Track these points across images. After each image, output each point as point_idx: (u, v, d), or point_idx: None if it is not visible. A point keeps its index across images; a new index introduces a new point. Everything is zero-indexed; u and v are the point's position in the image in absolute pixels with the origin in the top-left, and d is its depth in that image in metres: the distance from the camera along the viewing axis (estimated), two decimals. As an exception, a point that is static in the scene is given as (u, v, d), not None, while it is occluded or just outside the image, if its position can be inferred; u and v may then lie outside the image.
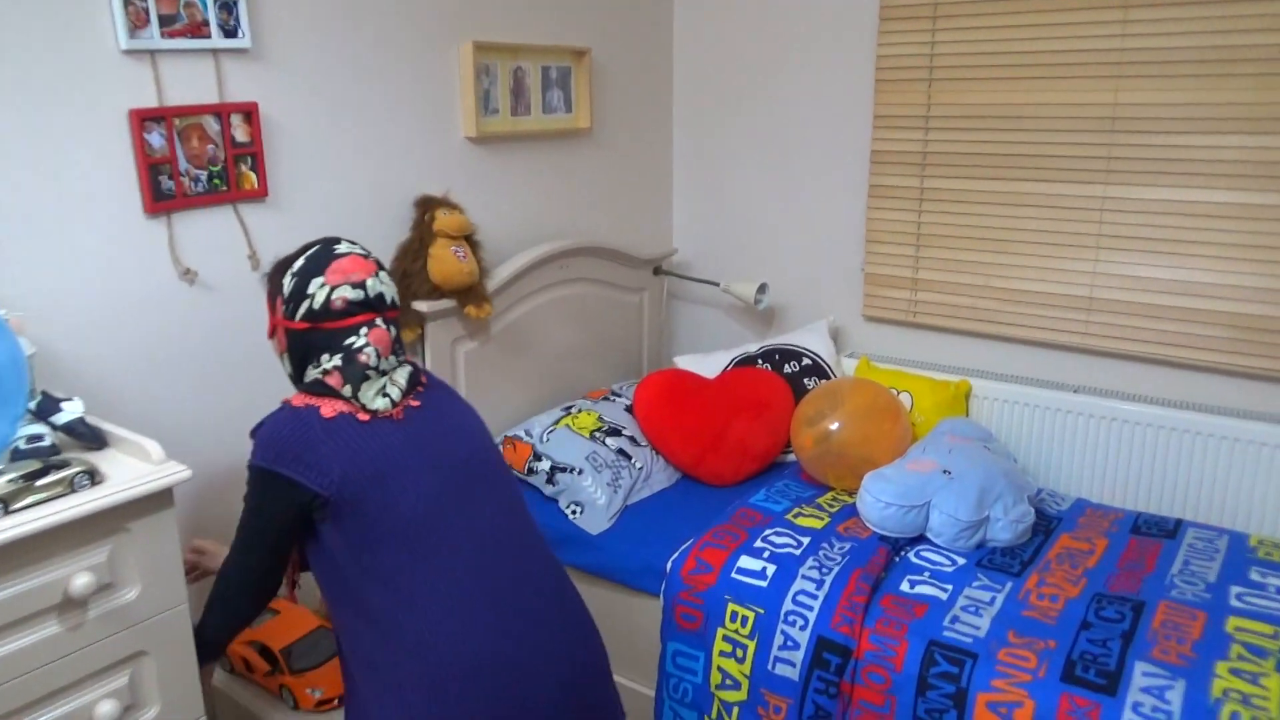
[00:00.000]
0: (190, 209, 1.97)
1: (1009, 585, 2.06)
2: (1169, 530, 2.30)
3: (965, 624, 1.92)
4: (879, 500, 2.21)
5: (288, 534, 1.45)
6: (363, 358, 1.46)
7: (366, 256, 1.53)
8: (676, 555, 2.22)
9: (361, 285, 1.49)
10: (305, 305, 1.49)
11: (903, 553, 2.20)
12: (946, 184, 2.75)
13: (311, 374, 1.50)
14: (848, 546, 2.18)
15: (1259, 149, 2.29)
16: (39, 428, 1.51)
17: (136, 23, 1.82)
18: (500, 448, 1.52)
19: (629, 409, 2.72)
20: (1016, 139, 2.61)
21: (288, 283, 1.52)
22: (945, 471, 2.26)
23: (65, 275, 1.80)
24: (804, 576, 2.08)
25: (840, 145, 2.95)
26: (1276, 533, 2.37)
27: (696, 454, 2.59)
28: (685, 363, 3.01)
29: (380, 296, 1.51)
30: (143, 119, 1.85)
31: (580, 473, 2.45)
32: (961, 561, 2.15)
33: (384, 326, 1.50)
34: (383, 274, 1.54)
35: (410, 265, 2.43)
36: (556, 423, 2.60)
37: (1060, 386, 2.66)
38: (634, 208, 3.20)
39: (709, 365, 2.96)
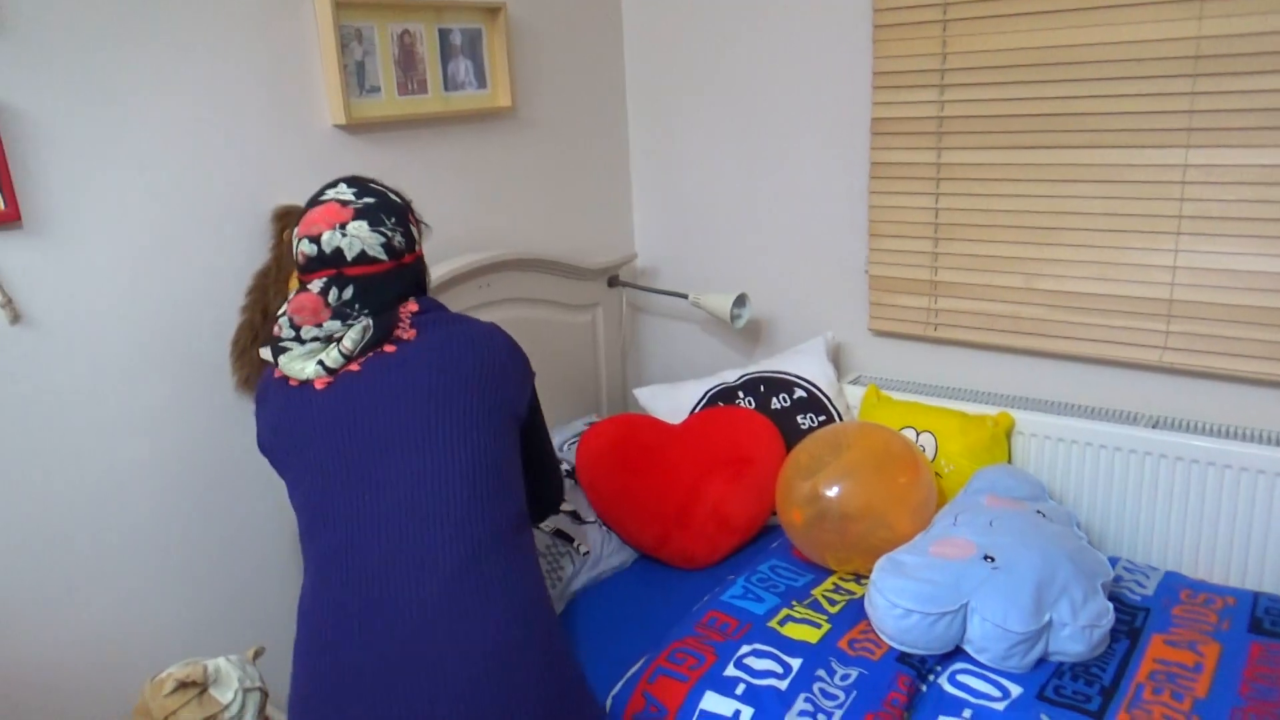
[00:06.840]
0: (-112, 248, 1.39)
1: (1088, 733, 1.44)
2: (1304, 626, 1.66)
3: (1028, 806, 1.31)
4: (895, 605, 1.59)
5: None
6: (275, 329, 1.37)
7: (348, 203, 1.37)
8: (619, 688, 1.61)
9: (317, 240, 1.35)
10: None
11: (932, 676, 1.59)
12: (971, 156, 2.11)
13: None
14: (854, 675, 1.56)
15: None
16: None
17: None
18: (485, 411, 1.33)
19: (572, 473, 2.11)
20: (1063, 93, 1.97)
21: None
22: (987, 558, 1.64)
23: None
24: (792, 728, 1.47)
25: (833, 114, 2.31)
26: None
27: (659, 534, 1.97)
28: (646, 397, 2.39)
29: (339, 252, 1.34)
30: None
31: (499, 564, 1.84)
32: (1016, 692, 1.53)
33: (316, 291, 1.34)
34: (356, 224, 1.35)
35: (272, 301, 1.86)
36: (473, 493, 1.99)
37: (1134, 420, 2.02)
38: (579, 205, 2.57)
39: (677, 400, 2.34)
